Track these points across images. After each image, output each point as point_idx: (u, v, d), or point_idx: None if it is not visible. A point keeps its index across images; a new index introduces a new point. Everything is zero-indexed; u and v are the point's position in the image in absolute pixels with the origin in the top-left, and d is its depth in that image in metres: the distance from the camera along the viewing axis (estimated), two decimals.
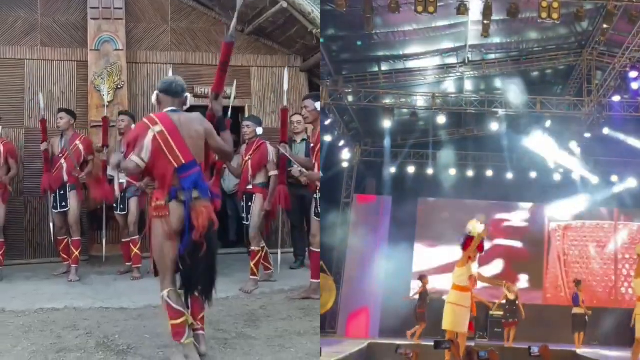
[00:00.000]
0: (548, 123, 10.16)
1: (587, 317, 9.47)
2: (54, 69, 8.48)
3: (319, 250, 6.28)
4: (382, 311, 10.22)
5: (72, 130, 7.48)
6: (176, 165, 4.13)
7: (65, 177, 7.27)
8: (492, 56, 9.77)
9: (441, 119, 9.76)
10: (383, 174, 11.07)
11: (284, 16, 8.34)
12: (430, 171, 11.27)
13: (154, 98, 4.37)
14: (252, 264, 6.67)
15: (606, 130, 10.11)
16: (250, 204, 6.80)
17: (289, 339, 4.93)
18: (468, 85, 10.15)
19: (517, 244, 11.92)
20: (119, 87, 8.26)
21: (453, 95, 9.90)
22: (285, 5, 8.04)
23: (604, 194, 11.77)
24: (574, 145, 10.87)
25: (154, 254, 4.27)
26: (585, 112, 9.86)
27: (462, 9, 7.35)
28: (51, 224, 7.46)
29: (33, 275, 7.40)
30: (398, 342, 7.23)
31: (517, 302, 9.39)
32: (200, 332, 4.42)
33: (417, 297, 9.33)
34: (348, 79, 9.30)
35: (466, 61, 9.50)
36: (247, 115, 8.85)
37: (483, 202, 11.72)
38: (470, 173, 11.53)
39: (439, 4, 7.02)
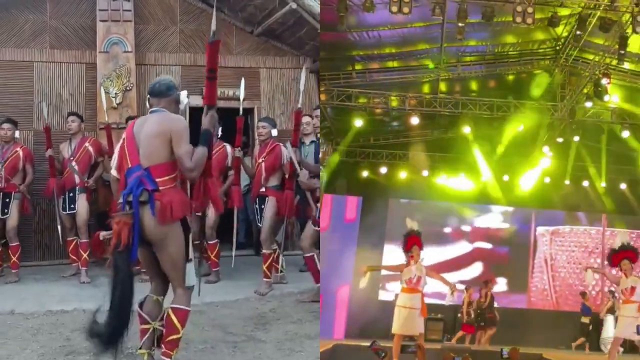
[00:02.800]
0: (521, 127, 10.22)
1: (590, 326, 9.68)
2: (62, 71, 8.49)
3: (310, 254, 6.26)
4: (349, 312, 10.13)
5: (81, 133, 7.49)
6: (125, 170, 3.90)
7: (77, 180, 7.28)
8: (467, 58, 9.73)
9: (415, 120, 9.72)
10: (354, 174, 11.01)
11: (293, 17, 8.31)
12: (402, 172, 11.22)
13: (147, 102, 4.14)
14: (264, 267, 6.62)
15: (577, 135, 10.31)
16: (262, 206, 6.74)
17: (299, 342, 4.88)
18: (442, 86, 10.11)
19: (498, 248, 11.93)
20: (128, 89, 8.26)
21: (427, 97, 9.85)
22: (294, 6, 8.01)
23: (583, 198, 11.92)
24: (546, 149, 10.90)
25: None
26: (558, 117, 9.91)
27: (437, 11, 7.35)
28: (59, 226, 7.46)
29: (42, 277, 7.39)
30: (363, 343, 7.13)
31: (491, 306, 9.52)
32: (163, 358, 3.89)
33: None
34: (321, 78, 9.20)
35: (441, 63, 9.47)
36: (256, 117, 8.83)
37: (456, 204, 11.73)
38: (443, 175, 11.50)
39: (414, 5, 6.98)
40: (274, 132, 6.92)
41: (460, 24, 7.49)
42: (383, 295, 10.83)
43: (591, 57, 9.26)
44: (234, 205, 6.83)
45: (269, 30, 8.91)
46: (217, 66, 4.15)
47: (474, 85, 10.21)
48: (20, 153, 7.34)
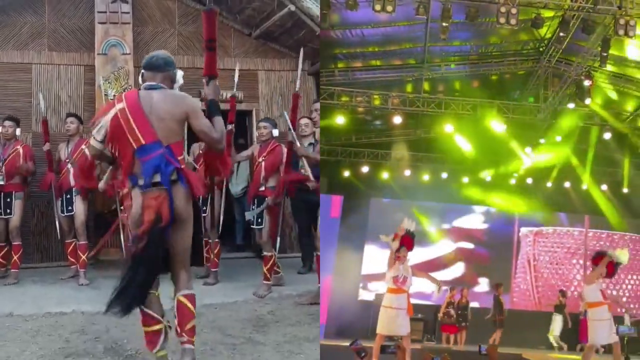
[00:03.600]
0: (504, 127, 10.29)
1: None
2: (61, 73, 8.50)
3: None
4: (329, 312, 10.10)
5: (79, 135, 7.50)
6: (135, 147, 3.66)
7: (72, 182, 7.29)
8: (451, 58, 9.77)
9: (397, 119, 9.73)
10: (336, 173, 10.98)
11: (291, 20, 8.33)
12: (384, 171, 11.22)
13: (140, 78, 3.97)
14: (265, 269, 6.61)
15: (559, 136, 10.39)
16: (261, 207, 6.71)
17: (298, 344, 4.89)
18: (426, 86, 10.14)
19: (480, 248, 12.07)
20: (126, 90, 8.24)
21: (410, 96, 9.86)
22: (292, 8, 8.03)
23: (565, 199, 12.07)
24: (528, 149, 10.98)
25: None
26: (541, 117, 9.97)
27: (421, 10, 7.38)
28: (58, 228, 7.46)
29: (41, 279, 7.38)
30: (342, 343, 7.13)
31: (468, 306, 9.68)
32: (187, 345, 3.78)
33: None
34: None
35: (425, 62, 9.49)
36: (254, 119, 8.84)
37: (438, 204, 11.76)
38: (425, 175, 11.51)
39: (397, 4, 7.04)
40: (275, 133, 6.94)
41: (444, 24, 7.54)
42: (363, 295, 10.86)
43: (574, 58, 9.32)
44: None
45: (267, 32, 8.93)
46: (216, 36, 4.06)
47: (457, 85, 10.26)
48: (21, 150, 7.33)
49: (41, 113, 7.80)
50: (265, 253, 6.65)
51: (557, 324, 9.97)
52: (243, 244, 8.82)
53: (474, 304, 10.50)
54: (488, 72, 10.18)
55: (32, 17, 8.46)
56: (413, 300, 6.45)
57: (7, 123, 7.35)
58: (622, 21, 7.31)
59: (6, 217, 7.24)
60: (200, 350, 4.67)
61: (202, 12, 4.06)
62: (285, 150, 6.69)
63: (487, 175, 11.58)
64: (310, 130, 7.52)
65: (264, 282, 6.61)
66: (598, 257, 6.63)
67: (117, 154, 3.78)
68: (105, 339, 4.95)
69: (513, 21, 7.28)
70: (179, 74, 3.97)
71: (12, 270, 7.22)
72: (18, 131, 7.45)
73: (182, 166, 3.71)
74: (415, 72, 9.79)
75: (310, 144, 7.68)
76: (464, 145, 10.68)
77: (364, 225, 11.06)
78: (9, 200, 7.22)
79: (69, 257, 7.53)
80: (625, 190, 12.02)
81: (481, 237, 12.14)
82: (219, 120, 3.83)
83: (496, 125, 10.07)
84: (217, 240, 7.14)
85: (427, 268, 10.36)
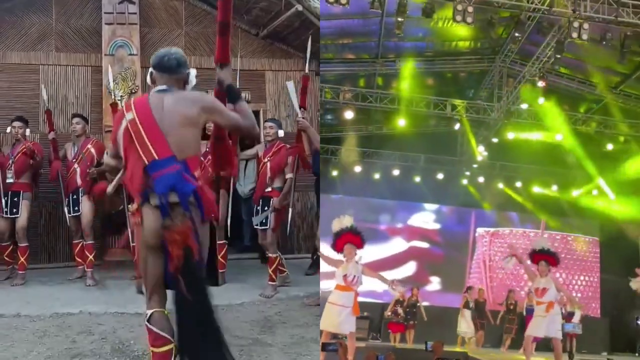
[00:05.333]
0: (457, 125, 10.24)
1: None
2: (68, 74, 8.50)
3: None
4: None
5: (85, 135, 7.51)
6: (147, 162, 3.21)
7: (79, 182, 7.30)
8: (406, 54, 9.70)
9: (349, 114, 9.66)
10: None
11: (299, 19, 8.30)
12: (334, 167, 11.15)
13: (148, 77, 3.52)
14: (270, 270, 6.59)
15: (512, 136, 10.55)
16: (266, 208, 6.67)
17: (306, 346, 4.87)
18: (379, 81, 10.08)
19: (434, 247, 12.20)
20: (133, 91, 8.25)
21: (363, 91, 9.79)
22: (300, 8, 8.00)
23: (515, 199, 12.30)
24: (481, 148, 10.94)
25: (139, 266, 3.64)
26: (494, 117, 9.94)
27: (376, 4, 7.35)
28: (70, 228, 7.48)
29: (48, 279, 7.39)
30: None
31: (417, 304, 9.81)
32: None
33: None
34: None
35: (379, 57, 9.41)
36: (262, 119, 8.80)
37: (389, 201, 11.72)
38: (377, 172, 11.45)
39: None
40: (281, 133, 6.91)
41: (399, 19, 7.51)
42: None
43: (529, 59, 9.35)
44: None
45: (275, 32, 8.90)
46: (230, 19, 3.70)
47: (411, 82, 10.23)
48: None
49: (44, 103, 7.81)
50: (270, 254, 6.63)
51: (466, 320, 10.09)
52: (250, 245, 8.78)
53: (425, 303, 10.63)
54: (443, 69, 10.16)
55: (39, 18, 8.47)
56: (360, 299, 6.38)
57: (17, 124, 7.36)
58: (576, 24, 7.39)
59: (13, 216, 7.23)
60: None
61: None
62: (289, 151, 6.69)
63: (440, 173, 11.62)
64: None
65: (270, 282, 6.59)
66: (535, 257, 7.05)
67: (127, 167, 3.36)
68: (112, 339, 4.94)
69: (469, 19, 7.32)
70: (192, 73, 3.57)
71: (19, 271, 7.21)
72: (27, 132, 7.46)
73: (199, 184, 3.28)
74: (369, 66, 9.71)
75: None
76: (417, 142, 10.70)
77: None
78: (16, 199, 7.22)
79: (76, 257, 7.53)
80: (575, 192, 12.23)
81: (435, 237, 12.24)
82: (243, 104, 3.55)
83: (451, 123, 10.14)
84: (224, 241, 7.11)
85: (378, 266, 10.44)
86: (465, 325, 9.93)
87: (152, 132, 3.25)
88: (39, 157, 7.31)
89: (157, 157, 3.20)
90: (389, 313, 9.80)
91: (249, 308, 6.06)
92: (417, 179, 11.72)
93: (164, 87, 3.41)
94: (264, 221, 6.67)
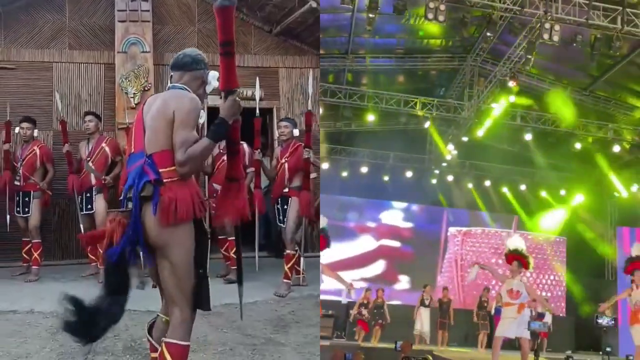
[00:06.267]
0: (427, 124, 10.16)
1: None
2: (81, 72, 8.51)
3: None
4: None
5: (98, 133, 7.50)
6: (127, 157, 3.28)
7: (93, 180, 7.30)
8: (377, 51, 9.60)
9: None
10: None
11: (312, 16, 8.24)
12: None
13: (169, 79, 3.41)
14: (286, 268, 6.56)
15: (482, 136, 10.51)
16: (285, 207, 6.69)
17: (319, 346, 4.81)
18: (349, 77, 10.00)
19: (404, 246, 12.23)
20: (146, 89, 8.24)
21: (332, 87, 9.70)
22: (314, 5, 7.93)
23: (484, 199, 12.42)
24: (451, 147, 10.97)
25: None
26: (464, 116, 9.93)
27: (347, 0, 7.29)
28: (81, 226, 7.47)
29: (61, 276, 7.41)
30: None
31: (383, 306, 9.90)
32: None
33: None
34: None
35: (348, 53, 9.32)
36: (275, 117, 8.78)
37: (357, 199, 11.65)
38: (345, 168, 11.37)
39: None
40: (296, 132, 6.88)
41: (370, 15, 7.45)
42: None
43: (500, 59, 9.32)
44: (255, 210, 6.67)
45: (288, 29, 8.85)
46: (233, 37, 3.23)
47: (382, 79, 10.18)
48: (37, 151, 7.38)
49: (59, 113, 7.81)
50: (288, 251, 6.60)
51: (424, 318, 10.14)
52: (264, 243, 8.75)
53: (395, 302, 10.65)
54: (414, 67, 10.08)
55: (52, 16, 8.49)
56: (326, 297, 6.32)
57: (25, 125, 7.38)
58: (547, 25, 7.43)
59: (25, 215, 7.30)
60: (219, 350, 4.63)
61: (215, 7, 3.20)
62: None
63: (409, 171, 11.58)
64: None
65: (284, 280, 6.55)
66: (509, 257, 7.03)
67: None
68: (125, 337, 4.92)
69: (441, 18, 7.32)
70: (212, 75, 3.36)
71: (32, 267, 7.26)
72: (35, 132, 7.48)
73: (167, 179, 3.05)
74: (339, 62, 9.63)
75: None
76: (386, 140, 10.62)
77: None
78: (27, 199, 7.27)
79: (89, 254, 7.53)
80: (543, 192, 12.29)
81: (406, 235, 12.19)
82: (202, 144, 3.08)
83: (421, 121, 10.08)
84: (233, 238, 7.07)
85: (346, 264, 10.36)
86: (419, 324, 9.99)
87: (137, 127, 3.24)
88: (49, 165, 7.40)
89: (133, 151, 3.22)
90: (355, 313, 9.85)
91: (262, 307, 6.02)
92: (386, 177, 11.70)
93: (175, 84, 3.32)
94: (283, 219, 6.70)
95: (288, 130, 6.84)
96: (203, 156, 3.17)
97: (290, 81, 9.15)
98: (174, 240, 3.06)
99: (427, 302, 10.10)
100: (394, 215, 12.39)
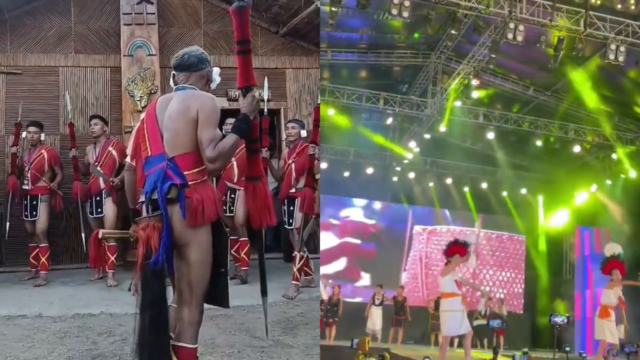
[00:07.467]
0: (389, 120, 10.06)
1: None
2: (87, 75, 8.52)
3: None
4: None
5: (105, 136, 7.49)
6: (144, 160, 3.24)
7: (102, 184, 7.29)
8: (339, 45, 9.53)
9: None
10: None
11: (318, 16, 8.20)
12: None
13: (171, 80, 3.42)
14: (295, 269, 6.53)
15: (444, 133, 10.48)
16: (292, 208, 6.67)
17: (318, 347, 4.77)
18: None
19: (366, 243, 12.16)
20: (153, 92, 8.22)
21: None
22: (320, 5, 7.90)
23: (446, 196, 12.36)
24: (413, 144, 10.96)
25: None
26: (427, 113, 9.95)
27: None
28: (82, 233, 7.47)
29: (70, 280, 7.41)
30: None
31: (339, 303, 9.85)
32: None
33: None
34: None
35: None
36: (282, 118, 8.74)
37: (323, 196, 11.60)
38: None
39: None
40: (303, 133, 6.89)
41: (333, 9, 7.42)
42: None
43: (464, 57, 9.26)
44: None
45: (295, 30, 8.81)
46: (249, 36, 3.33)
47: (344, 74, 10.09)
48: (45, 155, 7.39)
49: (67, 115, 7.82)
50: (296, 252, 6.56)
51: (376, 317, 10.09)
52: (272, 245, 8.72)
53: (357, 299, 10.53)
54: (377, 62, 10.01)
55: (58, 20, 8.50)
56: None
57: (32, 129, 7.39)
58: (511, 25, 7.46)
59: (33, 219, 7.31)
60: (227, 352, 4.59)
61: (230, 9, 3.31)
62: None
63: (369, 167, 11.53)
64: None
65: (293, 282, 6.51)
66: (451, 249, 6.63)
67: (138, 167, 3.38)
68: (133, 341, 4.86)
69: (405, 14, 7.27)
70: (215, 72, 3.46)
71: (41, 271, 7.26)
72: (43, 136, 7.49)
73: (191, 182, 3.09)
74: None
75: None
76: (346, 136, 10.56)
77: None
78: (35, 203, 7.29)
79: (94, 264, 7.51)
80: (504, 191, 12.46)
81: (370, 233, 12.21)
82: (230, 140, 3.10)
83: (383, 117, 10.02)
84: (246, 239, 7.05)
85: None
86: (371, 322, 9.98)
87: (151, 128, 3.22)
88: (57, 167, 7.41)
89: (150, 154, 3.18)
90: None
91: (270, 309, 5.92)
92: (346, 173, 11.64)
93: (182, 85, 3.32)
94: (290, 220, 6.67)
95: (296, 132, 6.84)
96: (231, 152, 3.16)
97: (298, 82, 9.12)
98: (194, 240, 3.10)
99: (377, 302, 10.10)
100: (355, 212, 12.39)
